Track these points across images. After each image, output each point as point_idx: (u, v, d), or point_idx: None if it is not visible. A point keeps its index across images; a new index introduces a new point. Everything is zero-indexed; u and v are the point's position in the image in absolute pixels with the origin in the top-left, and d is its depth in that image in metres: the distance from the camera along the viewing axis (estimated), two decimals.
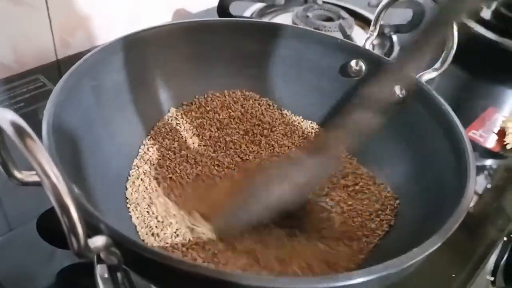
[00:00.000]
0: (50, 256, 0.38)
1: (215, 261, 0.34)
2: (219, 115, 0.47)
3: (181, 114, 0.46)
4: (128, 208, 0.38)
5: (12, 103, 0.53)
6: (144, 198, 0.39)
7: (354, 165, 0.44)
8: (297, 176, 0.35)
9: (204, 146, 0.44)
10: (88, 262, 0.26)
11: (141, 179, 0.40)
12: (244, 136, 0.46)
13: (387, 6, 0.44)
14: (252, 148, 0.45)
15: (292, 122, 0.48)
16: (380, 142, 0.43)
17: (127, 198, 0.39)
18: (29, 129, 0.21)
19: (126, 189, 0.39)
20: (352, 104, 0.34)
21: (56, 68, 0.61)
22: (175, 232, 0.36)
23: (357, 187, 0.42)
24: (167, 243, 0.35)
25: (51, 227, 0.39)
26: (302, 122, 0.48)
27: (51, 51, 0.61)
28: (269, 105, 0.49)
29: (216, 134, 0.46)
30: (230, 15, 0.65)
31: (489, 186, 0.52)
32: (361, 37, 0.69)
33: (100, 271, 0.29)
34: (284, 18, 0.73)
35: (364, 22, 0.74)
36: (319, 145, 0.36)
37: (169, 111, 0.46)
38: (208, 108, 0.47)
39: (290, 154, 0.38)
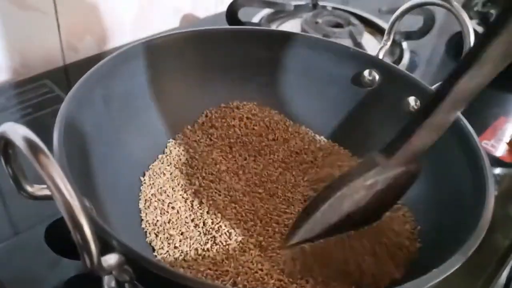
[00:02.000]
0: (56, 263, 0.38)
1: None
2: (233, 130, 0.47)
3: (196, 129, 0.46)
4: (142, 222, 0.38)
5: (20, 108, 0.52)
6: (158, 210, 0.38)
7: None
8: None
9: (221, 161, 0.44)
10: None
11: (155, 194, 0.40)
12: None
13: (401, 15, 0.43)
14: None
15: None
16: None
17: (140, 212, 0.38)
18: (42, 145, 0.20)
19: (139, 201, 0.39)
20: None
21: (63, 73, 0.61)
22: (189, 247, 0.36)
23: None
24: (181, 258, 0.35)
25: (59, 237, 0.39)
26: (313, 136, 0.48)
27: (58, 56, 0.61)
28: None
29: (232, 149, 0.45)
30: (239, 21, 0.65)
31: (495, 193, 0.52)
32: (371, 44, 0.68)
33: (108, 282, 0.29)
34: (293, 24, 0.72)
35: (374, 28, 0.73)
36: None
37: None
38: (220, 123, 0.47)
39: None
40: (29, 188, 0.26)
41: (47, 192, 0.26)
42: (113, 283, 0.30)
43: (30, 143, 0.20)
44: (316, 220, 0.33)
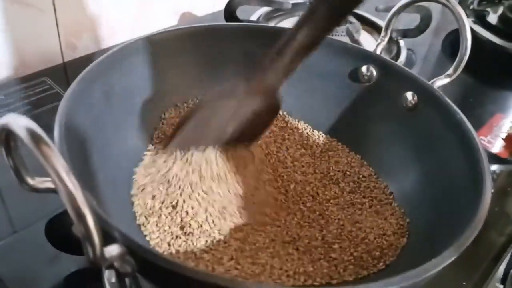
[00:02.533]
0: (56, 258, 0.38)
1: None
2: None
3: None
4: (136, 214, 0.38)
5: (19, 105, 0.53)
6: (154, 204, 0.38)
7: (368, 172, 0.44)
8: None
9: None
10: (96, 268, 0.26)
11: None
12: None
13: (398, 11, 0.44)
14: None
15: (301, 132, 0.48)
16: (392, 149, 0.43)
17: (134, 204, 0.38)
18: (44, 135, 0.20)
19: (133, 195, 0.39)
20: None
21: (62, 71, 0.61)
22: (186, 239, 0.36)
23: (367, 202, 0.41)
24: (179, 250, 0.35)
25: (59, 233, 0.39)
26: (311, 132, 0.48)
27: (57, 53, 0.61)
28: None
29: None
30: (237, 19, 0.65)
31: (492, 190, 0.52)
32: (368, 42, 0.69)
33: (108, 276, 0.29)
34: (290, 22, 0.73)
35: (371, 26, 0.73)
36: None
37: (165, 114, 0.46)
38: None
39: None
40: (30, 181, 0.26)
41: (48, 185, 0.26)
42: (113, 279, 0.30)
43: (32, 134, 0.20)
44: (188, 129, 0.38)
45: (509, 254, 0.46)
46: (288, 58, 0.35)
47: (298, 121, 0.48)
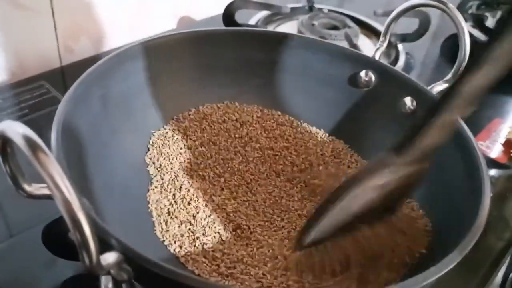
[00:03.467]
0: (53, 264, 0.38)
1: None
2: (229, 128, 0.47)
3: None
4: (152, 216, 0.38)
5: (16, 109, 0.52)
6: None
7: None
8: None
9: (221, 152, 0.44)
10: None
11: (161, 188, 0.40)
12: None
13: (397, 16, 0.44)
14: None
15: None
16: None
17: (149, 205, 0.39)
18: (41, 142, 0.20)
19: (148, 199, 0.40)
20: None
21: (60, 75, 0.61)
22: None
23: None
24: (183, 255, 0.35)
25: (56, 238, 0.39)
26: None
27: (55, 57, 0.61)
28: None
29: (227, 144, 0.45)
30: (236, 23, 0.65)
31: (490, 195, 0.52)
32: (366, 46, 0.69)
33: (105, 282, 0.29)
34: (289, 26, 0.73)
35: (369, 31, 0.73)
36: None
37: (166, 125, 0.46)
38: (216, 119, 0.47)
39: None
40: (27, 187, 0.26)
41: (45, 191, 0.26)
42: (110, 285, 0.30)
43: (29, 141, 0.20)
44: (328, 222, 0.32)
45: (508, 259, 0.46)
46: (455, 111, 0.29)
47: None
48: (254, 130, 0.46)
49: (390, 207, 0.35)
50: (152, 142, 0.43)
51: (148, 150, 0.42)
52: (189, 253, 0.35)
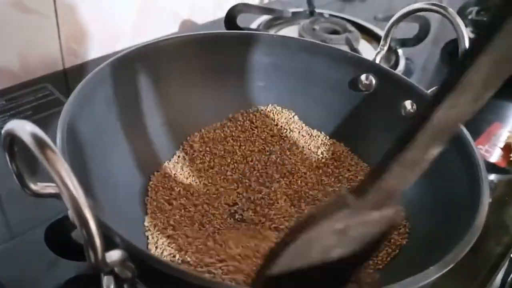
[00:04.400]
0: (55, 264, 0.38)
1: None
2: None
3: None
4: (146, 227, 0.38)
5: (20, 111, 0.53)
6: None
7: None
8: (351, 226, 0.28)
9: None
10: (94, 273, 0.26)
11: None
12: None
13: (397, 21, 0.44)
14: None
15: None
16: None
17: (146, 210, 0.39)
18: (49, 141, 0.21)
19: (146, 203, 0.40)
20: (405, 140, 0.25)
21: (63, 77, 0.61)
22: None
23: None
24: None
25: (58, 238, 0.39)
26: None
27: (58, 59, 0.61)
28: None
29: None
30: (237, 27, 0.66)
31: (490, 200, 0.52)
32: (367, 50, 0.69)
33: (107, 282, 0.29)
34: (290, 31, 0.73)
35: (370, 35, 0.74)
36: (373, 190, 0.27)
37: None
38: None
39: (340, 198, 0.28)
40: (33, 186, 0.26)
41: (50, 190, 0.26)
42: (112, 285, 0.30)
43: (37, 139, 0.20)
44: (283, 263, 0.28)
45: (507, 263, 0.47)
46: (421, 149, 0.24)
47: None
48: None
49: (359, 259, 0.30)
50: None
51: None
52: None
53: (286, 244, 0.28)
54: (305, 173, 0.44)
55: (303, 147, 0.47)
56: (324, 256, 0.28)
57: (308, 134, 0.48)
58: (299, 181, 0.44)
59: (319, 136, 0.48)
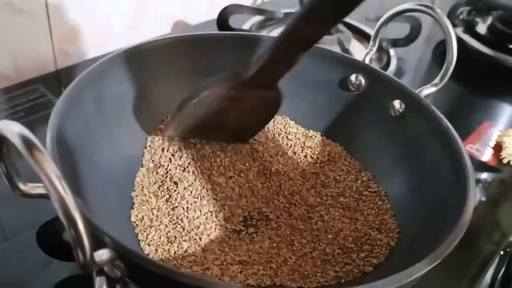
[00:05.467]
0: (47, 265, 0.38)
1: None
2: None
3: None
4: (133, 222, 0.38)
5: (12, 113, 0.53)
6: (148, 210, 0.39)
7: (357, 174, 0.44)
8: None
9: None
10: (86, 274, 0.26)
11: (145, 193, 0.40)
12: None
13: (386, 21, 0.44)
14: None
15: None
16: (380, 155, 0.43)
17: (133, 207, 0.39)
18: (37, 142, 0.21)
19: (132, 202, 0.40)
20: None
21: (55, 78, 0.61)
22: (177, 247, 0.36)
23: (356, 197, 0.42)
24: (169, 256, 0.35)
25: (50, 239, 0.39)
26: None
27: (50, 61, 0.61)
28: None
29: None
30: (230, 28, 0.66)
31: (483, 199, 0.52)
32: (359, 51, 0.70)
33: (99, 283, 0.29)
34: None
35: (361, 36, 0.74)
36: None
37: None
38: None
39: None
40: (22, 187, 0.26)
41: (40, 191, 0.27)
42: (104, 285, 0.30)
43: (25, 140, 0.21)
44: (187, 116, 0.40)
45: (497, 260, 0.47)
46: (289, 49, 0.36)
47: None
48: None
49: (250, 129, 0.43)
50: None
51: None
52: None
53: (192, 98, 0.39)
54: (294, 177, 0.44)
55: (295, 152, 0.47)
56: (223, 115, 0.40)
57: (304, 136, 0.48)
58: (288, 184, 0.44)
59: (315, 136, 0.48)
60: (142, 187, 0.40)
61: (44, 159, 0.20)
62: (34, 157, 0.20)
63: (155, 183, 0.41)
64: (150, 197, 0.39)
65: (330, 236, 0.39)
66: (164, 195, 0.40)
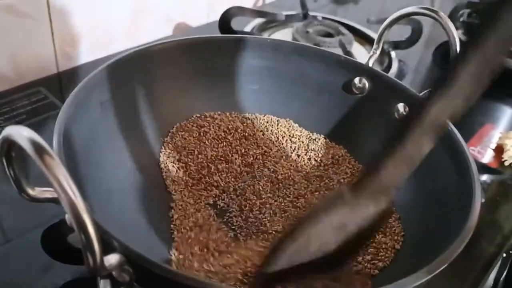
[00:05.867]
0: (50, 268, 0.38)
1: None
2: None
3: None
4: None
5: (14, 115, 0.53)
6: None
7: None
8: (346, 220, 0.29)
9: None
10: (90, 277, 0.26)
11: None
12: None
13: (390, 25, 0.45)
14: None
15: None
16: None
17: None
18: (47, 146, 0.21)
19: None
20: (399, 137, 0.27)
21: (57, 81, 0.61)
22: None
23: None
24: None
25: (55, 242, 0.39)
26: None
27: (52, 63, 0.61)
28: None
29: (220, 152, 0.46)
30: (231, 30, 0.66)
31: (483, 200, 0.53)
32: (360, 53, 0.70)
33: (103, 286, 0.29)
34: (284, 33, 0.74)
35: (363, 38, 0.75)
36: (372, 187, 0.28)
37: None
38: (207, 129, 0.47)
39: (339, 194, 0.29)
40: (30, 191, 0.26)
41: (48, 195, 0.27)
42: None
43: (35, 145, 0.21)
44: (284, 260, 0.29)
45: (499, 262, 0.47)
46: (415, 141, 0.26)
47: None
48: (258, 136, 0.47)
49: (352, 251, 0.31)
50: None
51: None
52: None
53: (287, 241, 0.29)
54: (299, 180, 0.44)
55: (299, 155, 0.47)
56: (322, 250, 0.29)
57: (308, 138, 0.48)
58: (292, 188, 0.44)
59: (319, 139, 0.48)
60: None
61: (54, 164, 0.20)
62: (45, 161, 0.20)
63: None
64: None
65: None
66: None
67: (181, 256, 0.35)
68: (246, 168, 0.44)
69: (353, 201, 0.28)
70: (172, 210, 0.40)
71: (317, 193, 0.43)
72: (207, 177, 0.43)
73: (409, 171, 0.27)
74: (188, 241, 0.37)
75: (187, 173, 0.43)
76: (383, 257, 0.37)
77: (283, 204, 0.42)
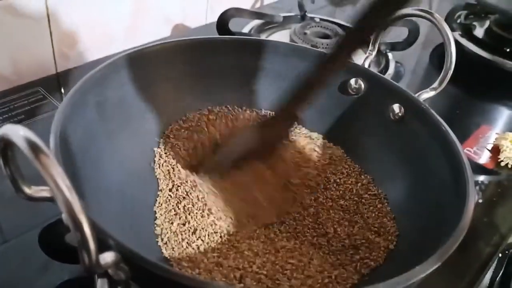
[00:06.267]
0: (47, 268, 0.38)
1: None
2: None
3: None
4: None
5: (12, 115, 0.53)
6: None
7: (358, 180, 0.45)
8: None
9: None
10: (88, 276, 0.26)
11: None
12: None
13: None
14: None
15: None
16: (380, 159, 0.44)
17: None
18: (43, 146, 0.21)
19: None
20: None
21: (55, 81, 0.61)
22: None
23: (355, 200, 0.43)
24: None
25: (52, 241, 0.39)
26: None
27: (51, 64, 0.61)
28: None
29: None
30: (229, 31, 0.66)
31: (480, 201, 0.53)
32: (357, 55, 0.70)
33: (101, 285, 0.29)
34: (282, 35, 0.74)
35: None
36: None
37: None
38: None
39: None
40: (27, 190, 0.26)
41: (44, 194, 0.27)
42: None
43: (31, 144, 0.21)
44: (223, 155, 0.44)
45: (495, 262, 0.47)
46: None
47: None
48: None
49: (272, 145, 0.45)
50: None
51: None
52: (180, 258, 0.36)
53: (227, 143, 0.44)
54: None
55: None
56: (246, 147, 0.43)
57: (306, 137, 0.49)
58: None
59: (318, 139, 0.48)
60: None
61: (50, 163, 0.21)
62: (41, 160, 0.20)
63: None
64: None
65: (328, 238, 0.39)
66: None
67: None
68: None
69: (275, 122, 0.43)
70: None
71: (314, 193, 0.43)
72: None
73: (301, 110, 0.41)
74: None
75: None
76: (375, 257, 0.37)
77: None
